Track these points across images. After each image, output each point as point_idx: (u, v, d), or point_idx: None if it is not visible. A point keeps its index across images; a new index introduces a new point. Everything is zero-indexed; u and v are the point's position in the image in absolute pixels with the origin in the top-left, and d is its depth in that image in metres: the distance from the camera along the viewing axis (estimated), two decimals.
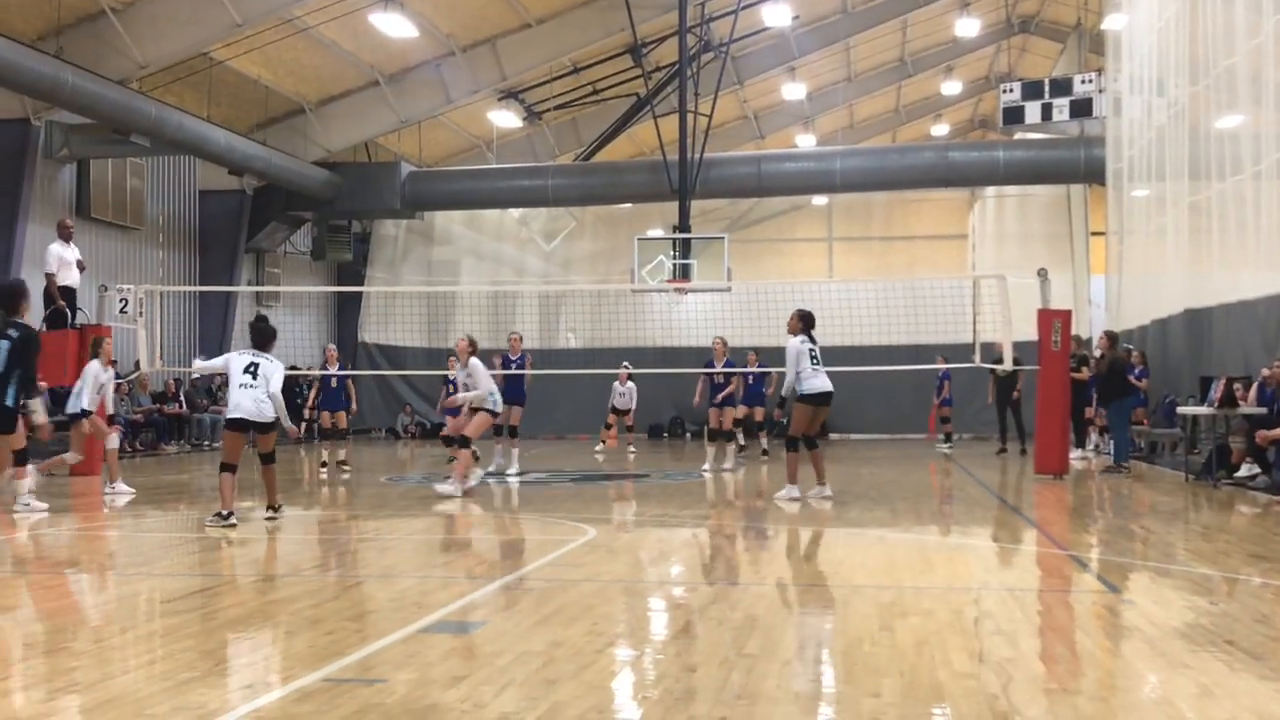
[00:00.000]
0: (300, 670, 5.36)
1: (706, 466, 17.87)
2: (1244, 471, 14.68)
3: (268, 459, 11.14)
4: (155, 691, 5.00)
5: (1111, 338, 16.81)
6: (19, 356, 9.09)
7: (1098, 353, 18.53)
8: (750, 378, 20.54)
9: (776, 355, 24.29)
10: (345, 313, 32.35)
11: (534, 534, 11.00)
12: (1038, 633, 6.33)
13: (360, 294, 30.81)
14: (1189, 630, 6.21)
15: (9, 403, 9.12)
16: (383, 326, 31.65)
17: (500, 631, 6.21)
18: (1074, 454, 18.63)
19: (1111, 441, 21.64)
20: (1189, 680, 5.20)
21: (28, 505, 11.42)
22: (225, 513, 10.41)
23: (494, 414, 14.73)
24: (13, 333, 9.21)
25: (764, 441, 21.88)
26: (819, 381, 12.98)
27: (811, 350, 13.05)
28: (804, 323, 13.16)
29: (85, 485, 15.41)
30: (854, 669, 5.41)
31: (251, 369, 10.71)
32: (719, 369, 18.25)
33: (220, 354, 14.34)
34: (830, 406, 13.39)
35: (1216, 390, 15.05)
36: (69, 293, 17.13)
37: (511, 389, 17.51)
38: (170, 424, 24.02)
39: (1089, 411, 21.78)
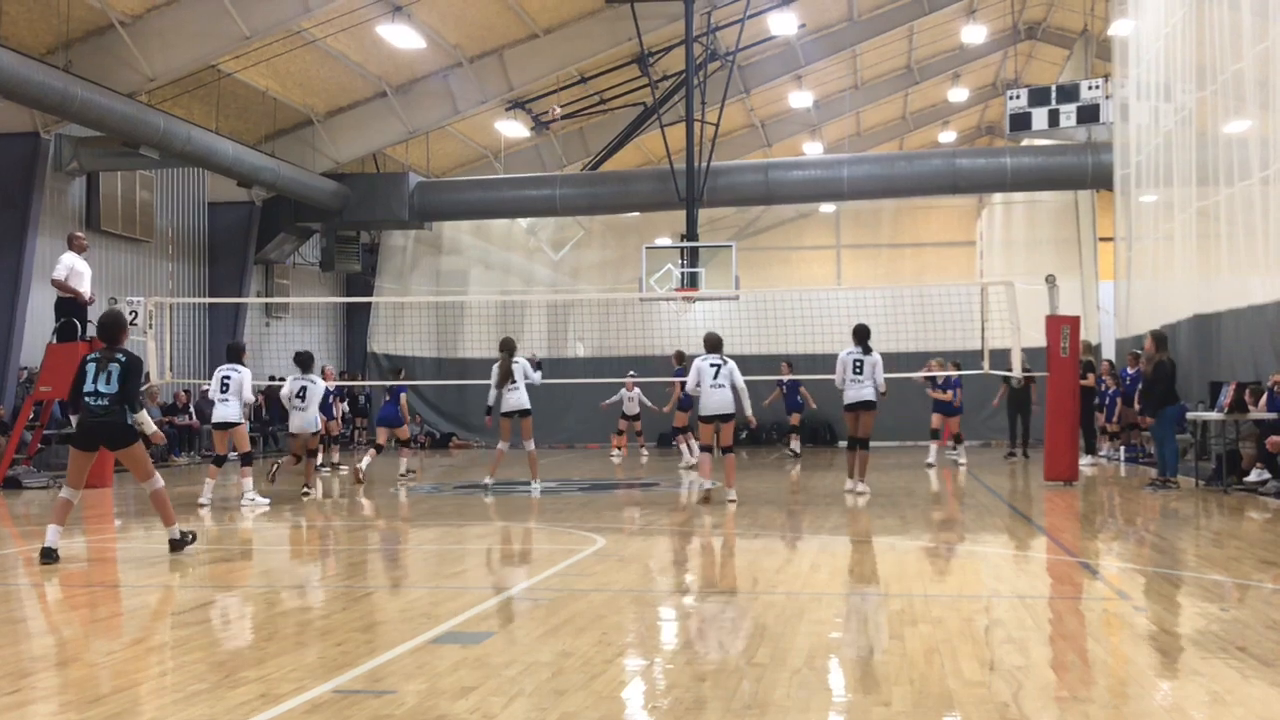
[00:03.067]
0: (310, 681, 5.36)
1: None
2: (1254, 477, 14.64)
3: None
4: (165, 704, 5.01)
5: (1159, 340, 16.08)
6: (128, 379, 9.57)
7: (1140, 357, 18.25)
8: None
9: (779, 364, 24.63)
10: (354, 323, 32.41)
11: (543, 543, 11.00)
12: (1048, 640, 6.32)
13: (369, 304, 30.83)
14: (1200, 637, 6.20)
15: (129, 420, 9.58)
16: (391, 337, 31.70)
17: (509, 642, 6.22)
18: (1084, 461, 18.57)
19: (1122, 449, 21.67)
20: (1200, 687, 5.19)
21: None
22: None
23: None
24: (121, 357, 9.64)
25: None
26: (849, 392, 14.82)
27: (856, 361, 14.78)
28: (854, 336, 14.95)
29: (97, 496, 15.44)
30: (864, 677, 5.40)
31: None
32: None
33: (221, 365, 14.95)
34: (870, 412, 15.02)
35: (1226, 396, 15.01)
36: (80, 305, 17.19)
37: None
38: (180, 436, 24.08)
39: (1100, 418, 21.77)
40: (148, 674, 5.64)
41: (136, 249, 24.61)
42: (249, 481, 14.43)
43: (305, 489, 15.53)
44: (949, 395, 21.19)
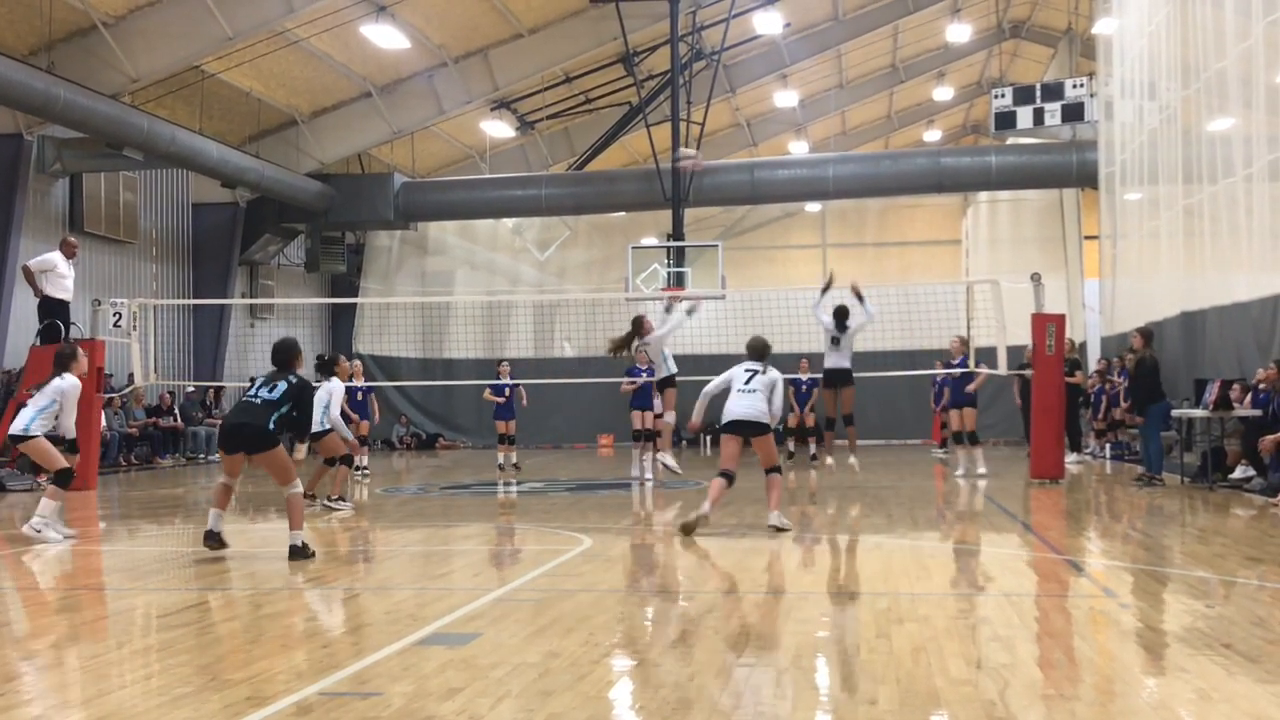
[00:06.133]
0: (296, 684, 5.34)
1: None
2: (1239, 474, 14.69)
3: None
4: (151, 707, 4.98)
5: (1146, 336, 16.06)
6: (294, 397, 9.63)
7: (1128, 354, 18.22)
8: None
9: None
10: (339, 324, 32.31)
11: (530, 544, 10.98)
12: (1035, 638, 6.32)
13: (354, 305, 30.77)
14: (1186, 634, 6.21)
15: (270, 425, 9.56)
16: (377, 338, 31.63)
17: (496, 643, 6.20)
18: (1069, 458, 18.60)
19: (1108, 447, 21.72)
20: (1186, 684, 5.20)
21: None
22: None
23: None
24: (293, 378, 9.73)
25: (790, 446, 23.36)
26: (828, 360, 15.56)
27: (834, 338, 15.41)
28: (835, 315, 15.44)
29: (81, 500, 15.38)
30: (850, 676, 5.40)
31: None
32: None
33: (216, 367, 14.76)
34: (849, 386, 15.65)
35: (1211, 393, 15.06)
36: (63, 306, 17.12)
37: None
38: (165, 437, 24.00)
39: (1086, 414, 21.82)
40: (133, 677, 5.61)
41: (120, 250, 24.52)
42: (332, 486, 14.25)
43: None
44: None
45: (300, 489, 9.75)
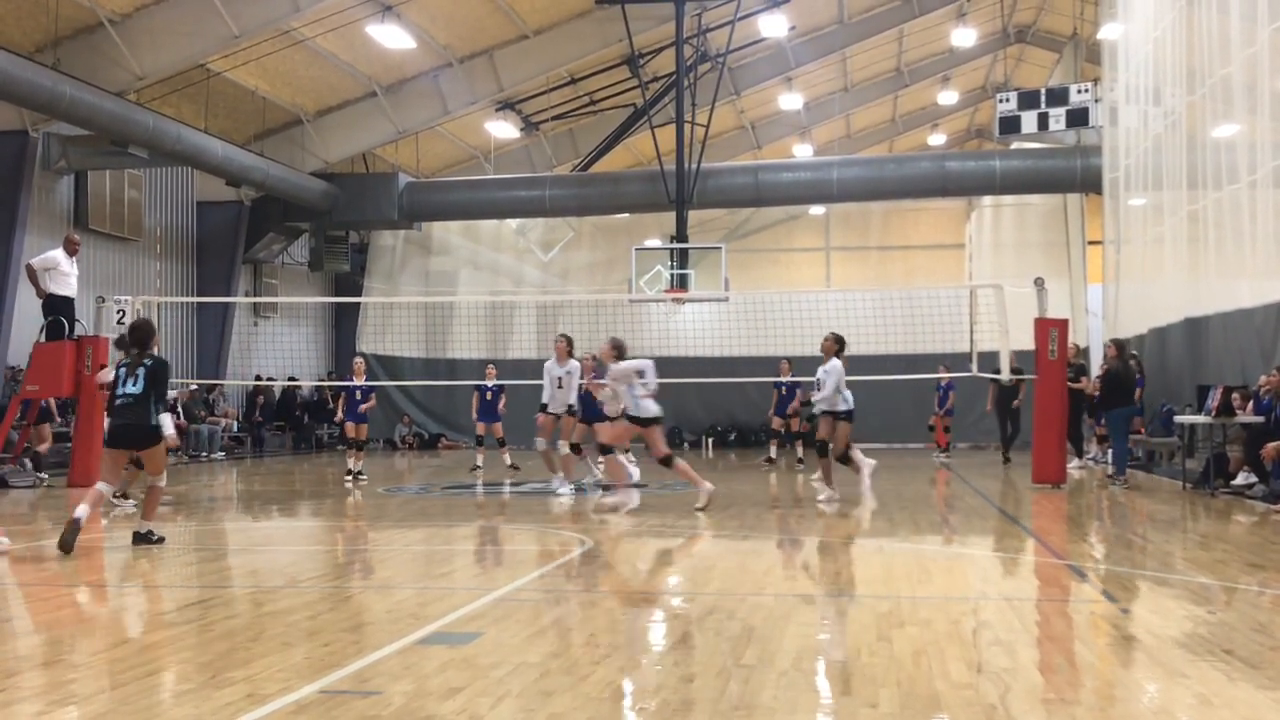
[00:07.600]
0: (297, 682, 5.34)
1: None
2: (1241, 480, 14.68)
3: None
4: (152, 704, 4.98)
5: (1119, 346, 16.69)
6: (156, 379, 10.10)
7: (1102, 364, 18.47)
8: (784, 389, 22.18)
9: (768, 365, 24.42)
10: (343, 323, 32.34)
11: (531, 544, 10.98)
12: (1036, 643, 6.32)
13: (358, 305, 30.79)
14: (1187, 640, 6.21)
15: (154, 421, 10.07)
16: (380, 337, 31.65)
17: (497, 643, 6.20)
18: (1072, 464, 18.61)
19: (1109, 451, 21.71)
20: (1187, 690, 5.20)
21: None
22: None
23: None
24: (148, 361, 10.16)
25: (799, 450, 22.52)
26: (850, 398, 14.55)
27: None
28: (840, 345, 14.45)
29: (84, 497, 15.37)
30: (851, 679, 5.40)
31: None
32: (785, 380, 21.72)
33: (219, 365, 14.73)
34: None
35: (1214, 399, 15.05)
36: (67, 303, 17.14)
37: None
38: None
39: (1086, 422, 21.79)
40: (134, 674, 5.61)
41: (125, 248, 24.54)
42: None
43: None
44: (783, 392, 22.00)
45: (162, 484, 10.36)
